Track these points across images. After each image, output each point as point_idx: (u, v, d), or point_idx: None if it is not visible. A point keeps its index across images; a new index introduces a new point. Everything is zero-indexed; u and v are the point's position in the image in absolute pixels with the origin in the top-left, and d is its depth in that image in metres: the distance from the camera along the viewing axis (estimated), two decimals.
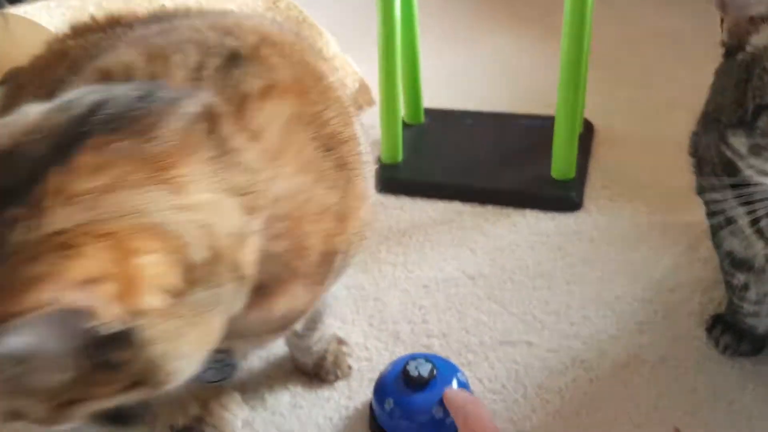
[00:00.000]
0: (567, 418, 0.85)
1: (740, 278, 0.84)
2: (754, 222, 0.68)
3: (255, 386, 0.92)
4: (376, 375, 0.90)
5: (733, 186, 0.69)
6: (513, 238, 1.14)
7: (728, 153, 0.66)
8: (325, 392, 0.91)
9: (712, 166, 0.73)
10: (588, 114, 1.38)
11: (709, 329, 0.92)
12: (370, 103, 1.58)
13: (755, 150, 0.63)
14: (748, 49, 0.63)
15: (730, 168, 0.69)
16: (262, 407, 0.89)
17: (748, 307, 0.87)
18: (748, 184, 0.67)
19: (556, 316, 0.99)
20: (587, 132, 1.35)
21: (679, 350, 0.92)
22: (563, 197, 1.20)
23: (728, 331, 0.90)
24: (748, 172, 0.65)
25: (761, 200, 0.65)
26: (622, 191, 1.21)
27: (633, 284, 1.03)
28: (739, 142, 0.64)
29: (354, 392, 0.90)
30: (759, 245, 0.72)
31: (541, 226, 1.16)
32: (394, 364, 0.86)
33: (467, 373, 0.89)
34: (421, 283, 1.07)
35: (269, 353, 0.96)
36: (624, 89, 1.49)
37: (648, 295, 1.00)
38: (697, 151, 0.79)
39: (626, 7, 1.82)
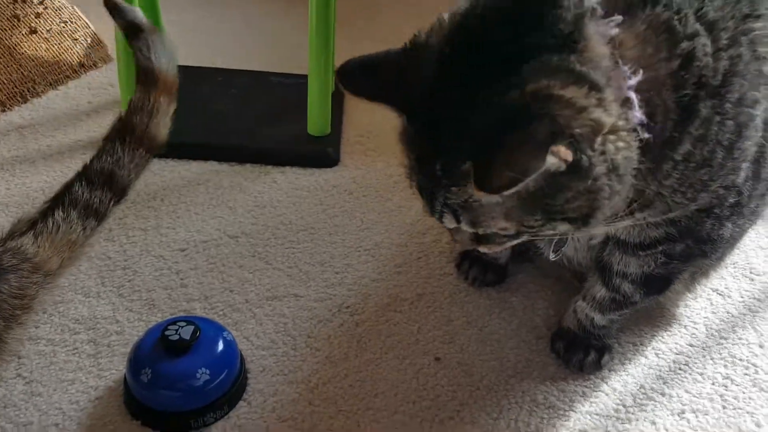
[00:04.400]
0: (337, 362, 0.85)
1: None
2: None
3: None
4: (129, 349, 0.81)
5: None
6: (274, 195, 1.11)
7: None
8: (68, 374, 0.79)
9: None
10: None
11: (458, 265, 0.99)
12: (107, 59, 1.43)
13: None
14: None
15: None
16: None
17: None
18: None
19: (321, 266, 0.99)
20: (340, 90, 1.36)
21: (433, 287, 0.97)
22: (321, 153, 1.19)
23: (475, 264, 0.98)
24: None
25: None
26: (374, 145, 1.25)
27: (390, 231, 1.06)
28: None
29: (104, 370, 0.80)
30: None
31: (302, 182, 1.15)
32: (150, 331, 0.78)
33: (234, 333, 0.85)
34: (177, 246, 0.99)
35: None
36: (373, 48, 1.53)
37: (403, 240, 1.05)
38: None
39: None
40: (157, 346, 0.75)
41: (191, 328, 0.76)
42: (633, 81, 0.57)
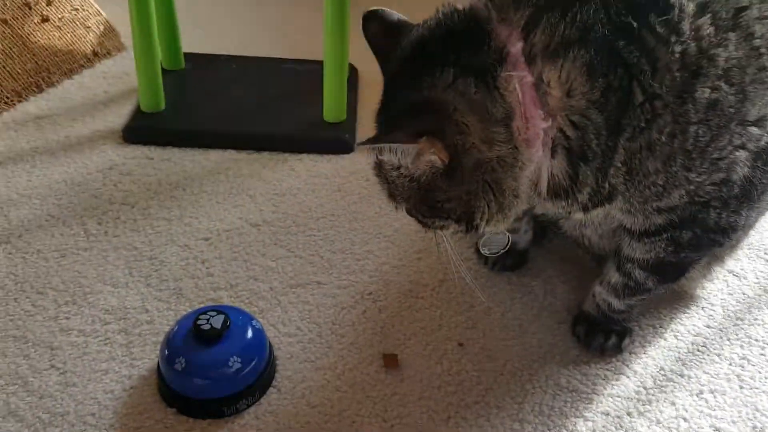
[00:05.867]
0: (361, 348, 0.86)
1: None
2: None
3: (11, 368, 0.79)
4: (160, 338, 0.83)
5: None
6: (293, 183, 1.12)
7: None
8: (101, 364, 0.81)
9: None
10: (352, 59, 1.39)
11: (478, 249, 1.00)
12: (120, 47, 1.43)
13: None
14: None
15: None
16: (24, 391, 0.77)
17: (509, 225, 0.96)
18: None
19: (342, 253, 1.00)
20: (352, 75, 1.37)
21: (454, 272, 0.98)
22: (337, 139, 1.20)
23: None
24: None
25: None
26: None
27: (409, 217, 1.07)
28: None
29: (136, 359, 0.82)
30: None
31: (319, 169, 1.16)
32: (182, 320, 0.79)
33: (261, 320, 0.86)
34: (201, 236, 1.00)
35: (18, 331, 0.83)
36: None
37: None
38: None
39: None
40: (189, 336, 0.76)
41: (222, 317, 0.77)
42: (545, 124, 0.64)
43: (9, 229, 0.98)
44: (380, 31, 0.74)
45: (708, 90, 0.64)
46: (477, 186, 0.67)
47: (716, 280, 0.99)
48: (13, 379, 0.78)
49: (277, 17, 1.59)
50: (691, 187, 0.70)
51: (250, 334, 0.79)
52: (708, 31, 0.63)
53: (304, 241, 1.01)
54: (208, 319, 0.77)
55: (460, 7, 0.67)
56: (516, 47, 0.62)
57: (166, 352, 0.77)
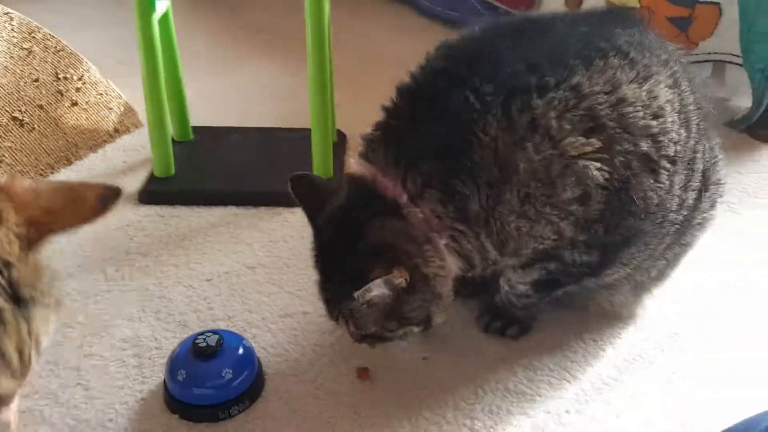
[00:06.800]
0: (339, 364, 1.01)
1: None
2: None
3: (45, 386, 0.94)
4: (167, 360, 0.98)
5: None
6: (285, 232, 1.29)
7: None
8: (118, 381, 0.97)
9: None
10: (341, 126, 1.59)
11: None
12: (137, 124, 1.64)
13: None
14: None
15: None
16: (56, 404, 0.92)
17: None
18: None
19: None
20: (341, 141, 1.56)
21: None
22: None
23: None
24: None
25: None
26: None
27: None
28: None
29: (147, 377, 0.97)
30: None
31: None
32: (184, 341, 0.95)
33: (253, 344, 1.01)
34: (204, 278, 1.17)
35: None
36: (370, 101, 1.73)
37: None
38: None
39: (363, 37, 2.10)
40: (189, 353, 0.92)
41: (216, 337, 0.93)
42: (443, 241, 0.85)
43: None
44: (306, 189, 0.95)
45: (515, 189, 0.83)
46: (429, 294, 0.88)
47: (654, 302, 1.12)
48: (47, 394, 0.94)
49: (274, 91, 1.81)
50: (533, 245, 0.88)
51: (241, 351, 0.94)
52: (506, 151, 0.82)
53: (294, 279, 1.17)
54: (204, 339, 0.92)
55: (357, 173, 0.89)
56: (403, 198, 0.85)
57: (170, 366, 0.92)
